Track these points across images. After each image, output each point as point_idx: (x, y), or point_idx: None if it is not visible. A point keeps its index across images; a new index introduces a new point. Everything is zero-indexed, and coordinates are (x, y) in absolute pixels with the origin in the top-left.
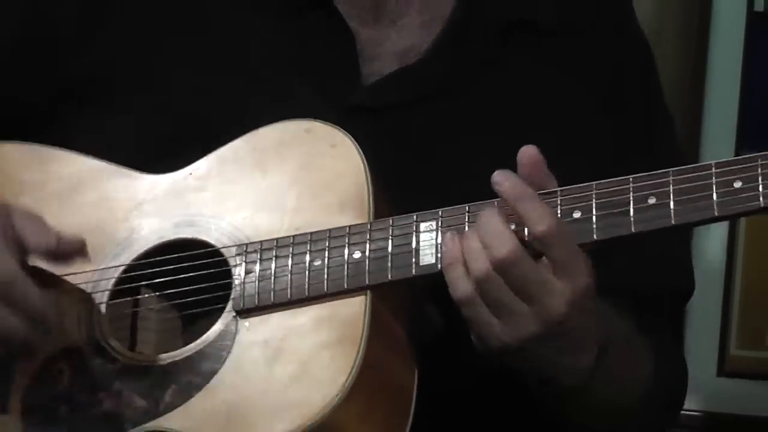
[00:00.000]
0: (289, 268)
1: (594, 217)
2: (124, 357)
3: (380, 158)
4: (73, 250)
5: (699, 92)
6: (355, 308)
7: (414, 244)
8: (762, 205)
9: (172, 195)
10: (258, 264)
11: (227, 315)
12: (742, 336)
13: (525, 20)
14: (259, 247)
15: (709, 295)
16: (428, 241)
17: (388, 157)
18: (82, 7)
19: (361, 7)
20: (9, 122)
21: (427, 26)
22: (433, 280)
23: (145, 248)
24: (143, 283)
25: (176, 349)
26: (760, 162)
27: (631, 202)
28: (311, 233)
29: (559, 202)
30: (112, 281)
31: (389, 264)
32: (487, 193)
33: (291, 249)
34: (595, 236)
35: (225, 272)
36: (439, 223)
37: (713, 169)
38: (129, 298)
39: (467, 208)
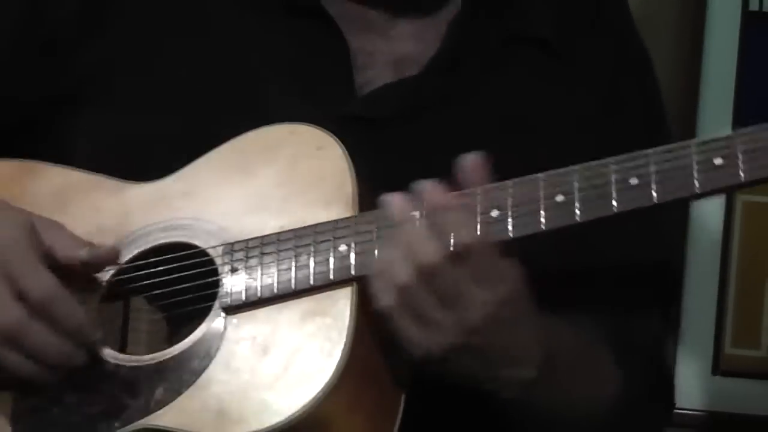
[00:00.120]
0: (275, 263)
1: (576, 200)
2: (116, 359)
3: (375, 168)
4: (109, 260)
5: (694, 91)
6: (341, 300)
7: None
8: (743, 179)
9: (159, 201)
10: (244, 262)
11: (215, 313)
12: (737, 335)
13: (524, 37)
14: (245, 245)
15: (704, 294)
16: None
17: (383, 167)
18: (82, 7)
19: (350, 16)
20: (9, 122)
21: (421, 36)
22: None
23: (135, 252)
24: (132, 285)
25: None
26: (738, 140)
27: (613, 183)
28: (296, 229)
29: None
30: (103, 285)
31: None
32: None
33: (276, 246)
34: (578, 218)
35: (213, 272)
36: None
37: (693, 148)
38: (119, 301)
39: None
